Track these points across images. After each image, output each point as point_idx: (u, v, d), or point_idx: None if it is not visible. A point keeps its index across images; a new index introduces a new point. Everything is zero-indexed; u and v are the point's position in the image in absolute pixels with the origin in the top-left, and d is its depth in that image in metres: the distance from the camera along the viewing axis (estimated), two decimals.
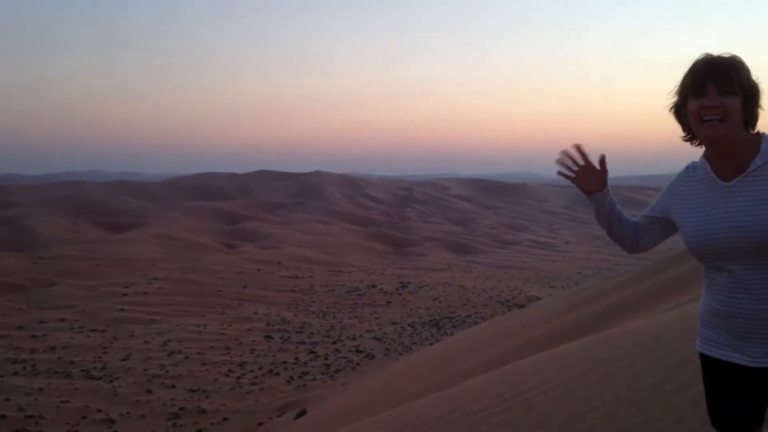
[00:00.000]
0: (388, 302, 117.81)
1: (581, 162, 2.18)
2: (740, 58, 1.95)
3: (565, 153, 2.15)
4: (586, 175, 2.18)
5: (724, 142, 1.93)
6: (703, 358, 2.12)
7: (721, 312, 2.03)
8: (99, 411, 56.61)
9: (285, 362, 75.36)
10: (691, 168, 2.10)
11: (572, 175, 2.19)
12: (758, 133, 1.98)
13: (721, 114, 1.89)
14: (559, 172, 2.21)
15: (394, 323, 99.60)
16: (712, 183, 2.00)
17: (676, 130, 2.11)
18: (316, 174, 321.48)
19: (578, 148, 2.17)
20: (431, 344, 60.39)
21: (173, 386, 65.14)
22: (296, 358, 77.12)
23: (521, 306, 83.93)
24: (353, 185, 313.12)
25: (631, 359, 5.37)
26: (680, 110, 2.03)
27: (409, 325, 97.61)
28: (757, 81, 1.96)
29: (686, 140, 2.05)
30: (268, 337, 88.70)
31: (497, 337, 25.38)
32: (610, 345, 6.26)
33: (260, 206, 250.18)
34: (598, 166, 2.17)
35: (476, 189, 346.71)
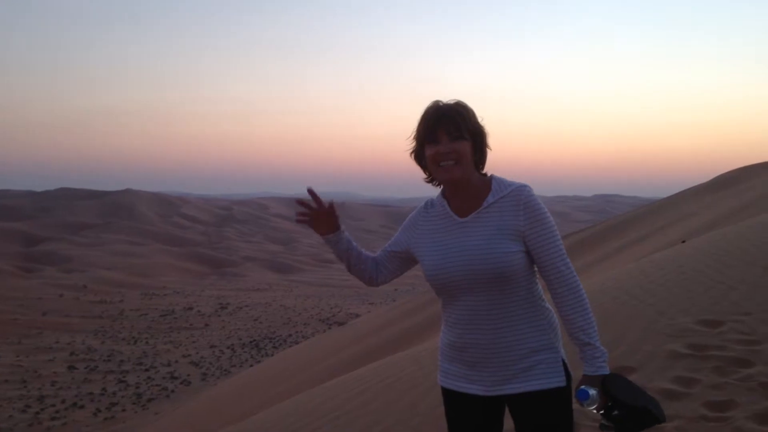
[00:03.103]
0: (206, 325, 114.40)
1: (314, 206, 2.32)
2: (465, 104, 2.09)
3: (300, 201, 2.31)
4: (320, 218, 2.31)
5: (460, 183, 2.08)
6: (444, 391, 2.22)
7: (457, 344, 2.13)
8: None
9: (91, 393, 70.39)
10: (429, 204, 2.23)
11: (306, 219, 2.32)
12: (489, 174, 2.15)
13: (454, 158, 2.03)
14: (297, 220, 2.35)
15: (212, 346, 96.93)
16: (450, 219, 2.13)
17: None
18: (128, 192, 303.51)
19: (311, 192, 2.32)
20: (251, 366, 59.93)
21: None
22: (104, 389, 72.33)
23: (341, 323, 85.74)
24: (168, 204, 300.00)
25: (414, 382, 5.52)
26: (419, 155, 2.15)
27: (228, 348, 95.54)
28: (482, 123, 2.11)
29: (428, 182, 2.20)
30: (71, 367, 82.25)
31: (317, 356, 26.09)
32: (397, 368, 6.42)
33: (63, 226, 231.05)
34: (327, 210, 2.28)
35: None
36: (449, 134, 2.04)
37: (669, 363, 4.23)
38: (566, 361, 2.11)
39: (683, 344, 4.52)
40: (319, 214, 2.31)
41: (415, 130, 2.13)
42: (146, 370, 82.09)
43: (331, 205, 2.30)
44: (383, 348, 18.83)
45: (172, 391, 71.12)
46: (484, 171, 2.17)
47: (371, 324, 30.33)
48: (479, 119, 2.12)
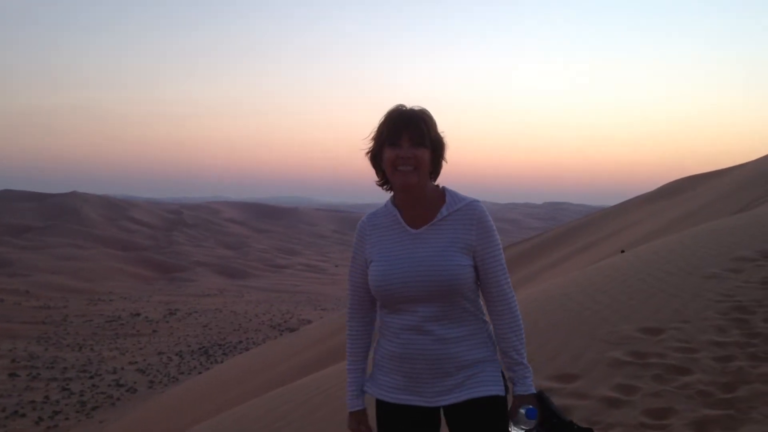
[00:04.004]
0: (154, 331, 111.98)
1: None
2: (429, 112, 2.08)
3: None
4: None
5: (415, 190, 2.06)
6: (380, 403, 2.18)
7: (398, 355, 2.10)
8: None
9: (33, 402, 68.09)
10: (373, 215, 2.21)
11: None
12: (442, 186, 2.15)
13: (413, 164, 2.02)
14: None
15: (159, 353, 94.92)
16: (402, 230, 2.11)
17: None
18: (73, 195, 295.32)
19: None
20: (200, 373, 58.90)
21: None
22: (46, 397, 70.07)
23: (293, 330, 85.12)
24: (115, 207, 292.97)
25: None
26: (376, 156, 2.12)
27: (176, 355, 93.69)
28: (442, 134, 2.10)
29: (380, 185, 2.18)
30: (12, 374, 79.40)
31: (266, 364, 25.86)
32: (342, 378, 6.36)
33: (4, 229, 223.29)
34: None
35: (248, 212, 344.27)
36: (411, 140, 2.04)
37: (611, 371, 4.30)
38: (504, 375, 2.14)
39: (625, 352, 4.60)
40: None
41: (376, 130, 2.11)
42: (91, 377, 79.87)
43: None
44: (333, 355, 18.75)
45: (118, 399, 69.37)
46: (436, 183, 2.17)
47: (322, 330, 30.20)
48: (441, 132, 2.12)
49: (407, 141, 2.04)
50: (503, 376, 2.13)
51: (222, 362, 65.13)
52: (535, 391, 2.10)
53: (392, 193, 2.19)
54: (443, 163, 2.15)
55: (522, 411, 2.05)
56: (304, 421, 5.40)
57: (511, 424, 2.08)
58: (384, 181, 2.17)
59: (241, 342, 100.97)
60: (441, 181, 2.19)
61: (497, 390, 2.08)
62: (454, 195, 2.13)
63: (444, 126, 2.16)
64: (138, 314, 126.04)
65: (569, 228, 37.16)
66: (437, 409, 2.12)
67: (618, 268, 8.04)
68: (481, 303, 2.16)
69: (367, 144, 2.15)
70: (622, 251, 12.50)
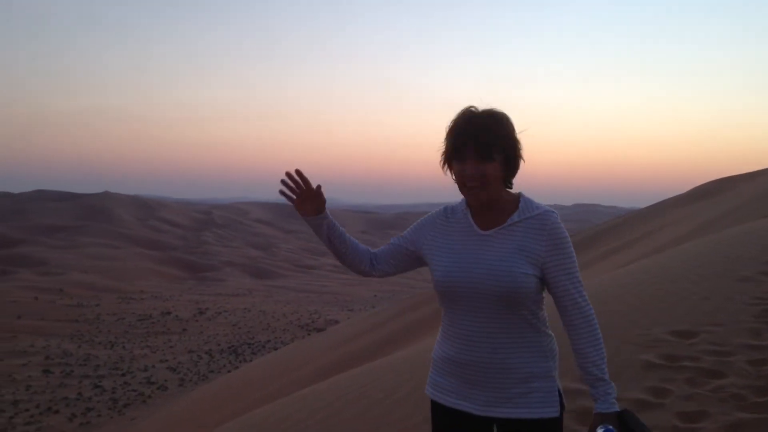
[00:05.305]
0: (184, 330, 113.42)
1: (303, 186, 2.18)
2: (499, 115, 1.98)
3: (288, 175, 2.17)
4: (305, 199, 2.19)
5: (486, 203, 2.02)
6: (433, 404, 2.16)
7: (454, 359, 2.07)
8: None
9: (66, 398, 69.44)
10: (450, 210, 2.15)
11: (293, 196, 2.19)
12: (518, 193, 2.07)
13: (480, 182, 1.95)
14: (281, 192, 2.21)
15: (190, 351, 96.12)
16: (470, 229, 2.06)
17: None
18: (105, 195, 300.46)
19: (299, 173, 2.17)
20: (229, 372, 59.46)
21: None
22: (79, 394, 71.41)
23: (320, 330, 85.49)
24: (146, 208, 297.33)
25: (389, 391, 5.43)
26: (448, 163, 2.05)
27: (206, 353, 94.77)
28: (517, 135, 2.00)
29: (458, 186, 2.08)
30: (46, 371, 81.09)
31: (294, 363, 26.00)
32: (372, 377, 6.40)
33: (38, 229, 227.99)
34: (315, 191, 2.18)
35: (277, 213, 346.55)
36: (477, 153, 1.95)
37: (642, 373, 4.28)
38: (561, 392, 2.07)
39: (656, 354, 4.57)
40: (304, 192, 2.18)
41: (444, 138, 2.03)
42: (123, 375, 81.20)
43: (319, 187, 2.18)
44: (361, 355, 18.80)
45: (149, 396, 70.39)
46: (513, 185, 2.08)
47: (350, 331, 30.27)
48: (515, 130, 2.01)
49: (472, 155, 1.95)
50: (560, 395, 2.06)
51: (251, 361, 65.69)
52: (617, 410, 1.98)
53: None
54: (520, 163, 2.04)
55: (600, 430, 1.93)
56: (332, 420, 5.39)
57: None
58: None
59: (269, 341, 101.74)
60: None
61: (552, 411, 2.02)
62: (529, 202, 2.06)
63: None
64: (168, 313, 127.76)
65: (599, 230, 36.75)
66: (490, 419, 2.06)
67: (649, 271, 7.96)
68: (545, 316, 2.09)
69: (441, 151, 2.06)
70: None
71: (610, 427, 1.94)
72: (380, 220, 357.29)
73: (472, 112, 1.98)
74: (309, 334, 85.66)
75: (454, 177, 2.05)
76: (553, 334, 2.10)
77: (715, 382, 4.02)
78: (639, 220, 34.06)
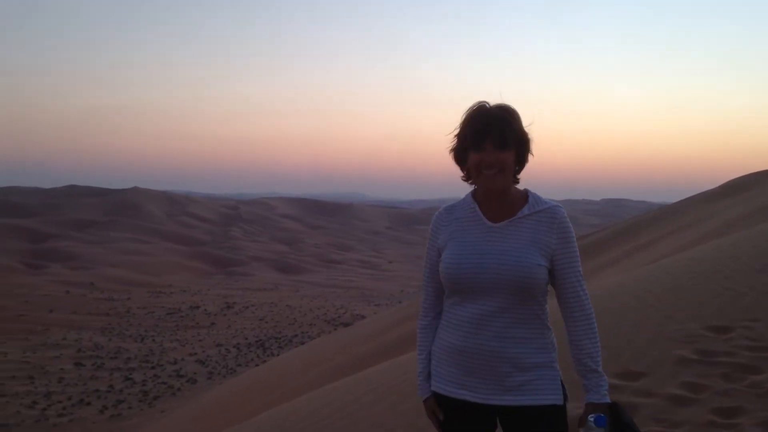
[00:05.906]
0: (212, 324, 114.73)
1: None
2: (511, 110, 2.06)
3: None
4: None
5: (501, 191, 2.08)
6: (435, 396, 2.20)
7: (457, 347, 2.10)
8: None
9: (97, 390, 70.71)
10: (449, 208, 2.21)
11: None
12: (525, 189, 2.14)
13: (498, 168, 2.02)
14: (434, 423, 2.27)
15: (218, 345, 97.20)
16: (480, 222, 2.11)
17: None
18: (134, 190, 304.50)
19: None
20: (257, 366, 60.05)
21: None
22: (110, 386, 72.66)
23: (347, 324, 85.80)
24: (175, 203, 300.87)
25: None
26: (460, 155, 2.12)
27: (234, 347, 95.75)
28: (527, 130, 2.08)
29: (464, 180, 2.15)
30: (78, 364, 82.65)
31: (321, 357, 26.19)
32: (402, 371, 6.41)
33: (69, 224, 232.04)
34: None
35: (303, 209, 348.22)
36: (495, 143, 2.02)
37: (677, 369, 4.26)
38: (563, 381, 2.12)
39: (692, 350, 4.54)
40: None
41: (459, 129, 2.10)
42: (152, 367, 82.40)
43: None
44: (388, 350, 18.86)
45: (179, 389, 71.35)
46: (520, 186, 2.16)
47: (377, 325, 30.37)
48: (525, 125, 2.09)
49: (491, 144, 2.02)
50: (562, 385, 2.10)
51: (278, 355, 66.28)
52: (609, 401, 2.06)
53: (474, 187, 2.18)
54: (529, 157, 2.12)
55: (591, 418, 2.00)
56: (363, 412, 5.44)
57: (580, 431, 2.04)
58: (468, 176, 2.15)
59: (296, 336, 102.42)
60: None
61: (554, 398, 2.06)
62: (537, 198, 2.13)
63: None
64: (197, 307, 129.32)
65: (629, 225, 36.30)
66: (493, 408, 2.09)
67: (683, 266, 7.88)
68: (548, 309, 2.13)
69: (450, 141, 2.14)
70: None
71: (601, 415, 2.01)
72: (406, 215, 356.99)
73: (487, 105, 2.07)
74: (336, 329, 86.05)
75: (465, 169, 2.12)
76: (551, 328, 2.15)
77: (751, 378, 3.98)
78: (669, 215, 33.58)
